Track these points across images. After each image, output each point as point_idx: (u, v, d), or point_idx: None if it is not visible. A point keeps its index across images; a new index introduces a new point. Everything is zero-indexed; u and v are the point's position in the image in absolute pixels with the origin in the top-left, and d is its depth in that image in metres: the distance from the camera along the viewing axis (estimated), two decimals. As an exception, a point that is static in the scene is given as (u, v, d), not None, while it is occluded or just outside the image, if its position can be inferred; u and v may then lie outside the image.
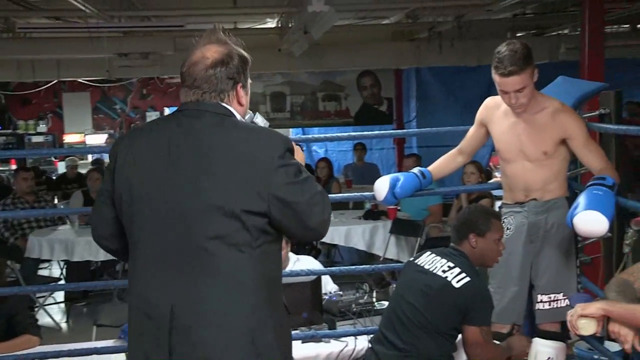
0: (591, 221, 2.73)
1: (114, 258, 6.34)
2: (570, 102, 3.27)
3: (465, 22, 8.20)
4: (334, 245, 7.30)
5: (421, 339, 2.83)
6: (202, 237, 1.89)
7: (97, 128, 13.76)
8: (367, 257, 6.77)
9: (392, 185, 3.28)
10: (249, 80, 2.12)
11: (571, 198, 3.07)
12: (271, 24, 10.35)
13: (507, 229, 3.15)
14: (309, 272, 4.12)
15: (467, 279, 2.82)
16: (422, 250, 3.41)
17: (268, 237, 1.94)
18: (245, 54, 2.09)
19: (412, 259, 3.14)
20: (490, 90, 3.25)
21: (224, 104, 2.01)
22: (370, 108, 11.98)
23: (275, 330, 1.93)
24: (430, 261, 2.96)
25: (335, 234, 6.30)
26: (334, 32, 10.25)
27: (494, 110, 3.17)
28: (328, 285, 4.75)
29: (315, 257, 7.44)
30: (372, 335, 3.20)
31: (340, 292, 4.52)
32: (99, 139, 13.20)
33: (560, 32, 9.88)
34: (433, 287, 2.86)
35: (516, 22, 10.30)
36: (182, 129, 1.97)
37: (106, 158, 11.30)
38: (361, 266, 4.42)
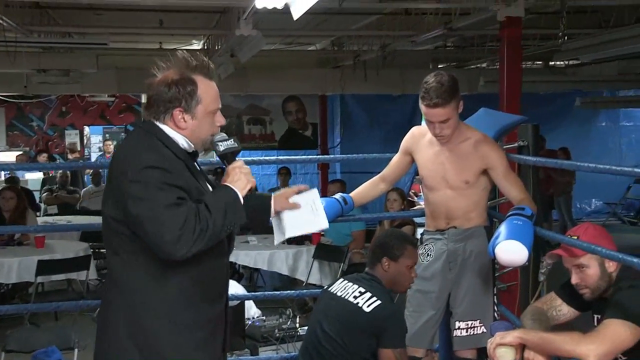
0: (512, 251, 2.77)
1: (29, 280, 6.13)
2: (491, 133, 3.34)
3: (390, 51, 8.34)
4: (257, 270, 7.21)
5: None
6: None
7: (12, 145, 13.20)
8: (290, 282, 6.70)
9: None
10: (199, 107, 2.15)
11: (489, 227, 3.12)
12: (197, 45, 10.24)
13: (428, 255, 3.17)
14: (231, 297, 4.05)
15: (378, 302, 2.80)
16: (343, 276, 3.38)
17: (137, 245, 2.07)
18: (193, 82, 2.16)
19: (326, 286, 3.11)
20: (413, 119, 3.29)
21: (157, 122, 2.15)
22: (295, 133, 12.00)
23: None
24: (343, 288, 2.94)
25: (259, 258, 6.22)
26: (261, 56, 10.24)
27: (419, 139, 3.20)
28: (251, 310, 4.67)
29: (238, 282, 7.35)
30: (293, 363, 3.15)
31: (263, 318, 4.45)
32: (11, 157, 12.67)
33: (479, 65, 10.20)
34: (345, 314, 2.83)
35: (438, 54, 10.57)
36: (118, 145, 2.26)
37: (21, 175, 10.84)
38: (285, 291, 4.35)
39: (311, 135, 12.14)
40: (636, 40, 6.78)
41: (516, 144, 3.69)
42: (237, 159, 2.20)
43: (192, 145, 2.18)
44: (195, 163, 2.22)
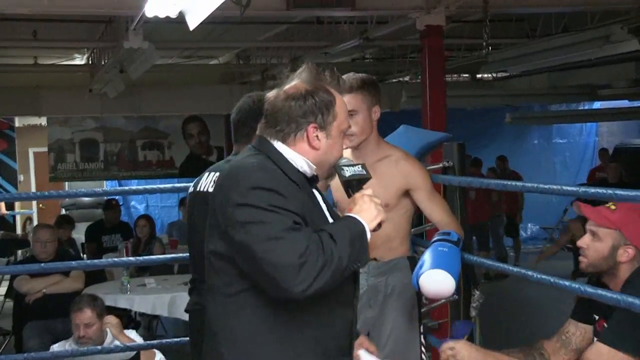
0: (437, 281, 2.81)
1: None
2: (413, 152, 3.40)
3: (301, 64, 8.40)
4: (156, 317, 7.05)
5: None
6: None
7: None
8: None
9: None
10: (334, 124, 2.10)
11: (413, 258, 3.16)
12: (80, 60, 10.05)
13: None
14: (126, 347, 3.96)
15: None
16: None
17: (245, 284, 1.97)
18: (329, 94, 2.09)
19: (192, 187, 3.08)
20: None
21: (275, 142, 2.08)
22: (198, 158, 11.88)
23: None
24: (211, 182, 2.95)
25: (158, 303, 6.07)
26: (155, 71, 10.13)
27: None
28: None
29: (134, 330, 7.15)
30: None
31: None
32: None
33: (401, 79, 10.43)
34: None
35: (356, 67, 10.74)
36: (228, 164, 2.26)
37: None
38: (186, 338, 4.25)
39: (216, 160, 12.07)
40: (565, 50, 7.10)
41: (440, 165, 3.78)
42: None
43: (314, 169, 2.11)
44: (314, 190, 2.15)
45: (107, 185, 12.59)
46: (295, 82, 2.10)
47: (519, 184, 2.80)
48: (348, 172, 2.15)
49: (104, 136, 11.45)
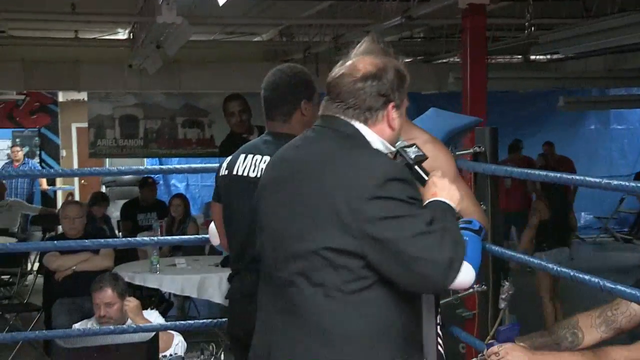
0: (455, 272, 2.77)
1: None
2: (440, 135, 3.34)
3: (344, 43, 8.36)
4: (189, 297, 7.14)
5: None
6: (291, 269, 1.97)
7: None
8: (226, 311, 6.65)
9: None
10: (406, 102, 2.08)
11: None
12: (122, 35, 10.15)
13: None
14: (142, 328, 4.00)
15: None
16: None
17: (366, 282, 1.92)
18: (402, 69, 2.07)
19: (226, 170, 2.95)
20: None
21: (356, 124, 2.02)
22: (239, 137, 11.87)
23: None
24: (251, 164, 2.84)
25: (186, 284, 6.14)
26: (195, 47, 10.21)
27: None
28: (179, 347, 4.60)
29: (165, 312, 7.26)
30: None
31: (182, 355, 4.39)
32: None
33: (449, 59, 10.30)
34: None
35: (404, 46, 10.65)
36: (300, 149, 2.07)
37: None
38: (209, 320, 4.30)
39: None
40: (621, 31, 6.90)
41: (471, 150, 3.72)
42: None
43: (390, 151, 2.10)
44: None
45: (147, 163, 12.76)
46: (364, 57, 2.02)
47: (553, 174, 2.71)
48: (412, 153, 2.13)
49: (144, 113, 11.55)
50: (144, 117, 11.57)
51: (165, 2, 5.49)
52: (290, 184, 2.02)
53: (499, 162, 9.63)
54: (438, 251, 1.87)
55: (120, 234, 8.73)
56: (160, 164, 12.21)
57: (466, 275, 2.77)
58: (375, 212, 1.88)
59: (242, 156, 2.84)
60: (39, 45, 9.69)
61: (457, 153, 3.70)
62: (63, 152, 14.09)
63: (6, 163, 12.54)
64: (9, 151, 12.73)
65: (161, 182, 12.14)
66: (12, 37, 9.07)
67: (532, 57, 10.55)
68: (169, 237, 6.77)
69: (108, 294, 4.25)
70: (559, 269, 2.45)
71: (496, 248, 3.11)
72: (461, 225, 2.93)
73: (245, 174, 2.78)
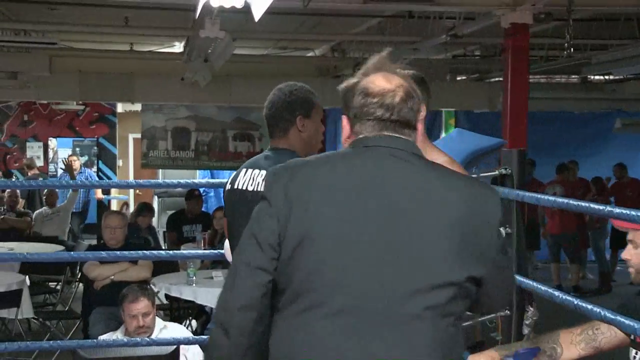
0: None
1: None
2: (461, 157, 3.32)
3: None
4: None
5: None
6: (419, 303, 1.84)
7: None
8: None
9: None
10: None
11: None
12: (178, 48, 10.35)
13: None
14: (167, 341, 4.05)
15: None
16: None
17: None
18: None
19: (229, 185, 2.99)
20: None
21: (413, 140, 1.97)
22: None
23: None
24: (250, 179, 2.85)
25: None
26: (247, 61, 10.35)
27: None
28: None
29: (204, 324, 7.31)
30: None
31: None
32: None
33: (501, 78, 10.18)
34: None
35: (454, 63, 10.60)
36: (395, 175, 1.88)
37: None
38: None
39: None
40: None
41: (497, 172, 3.67)
42: None
43: None
44: None
45: (199, 175, 12.93)
46: (391, 75, 1.95)
47: (561, 200, 2.66)
48: None
49: (196, 125, 11.73)
50: (196, 129, 11.75)
51: (208, 17, 5.57)
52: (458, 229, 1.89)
53: (549, 183, 9.44)
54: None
55: (165, 244, 8.85)
56: (212, 176, 12.37)
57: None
58: (501, 241, 1.95)
59: (244, 171, 2.91)
60: (95, 57, 9.93)
61: (481, 175, 3.66)
62: (119, 162, 14.38)
63: (64, 171, 12.84)
64: (68, 160, 12.99)
65: (212, 194, 12.27)
66: (70, 48, 9.33)
67: (590, 77, 10.38)
68: (191, 252, 6.86)
69: (145, 303, 4.28)
70: (563, 296, 2.39)
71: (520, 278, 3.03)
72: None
73: (244, 187, 2.84)
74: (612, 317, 2.09)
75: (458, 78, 11.14)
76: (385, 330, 1.81)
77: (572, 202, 2.93)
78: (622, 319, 2.11)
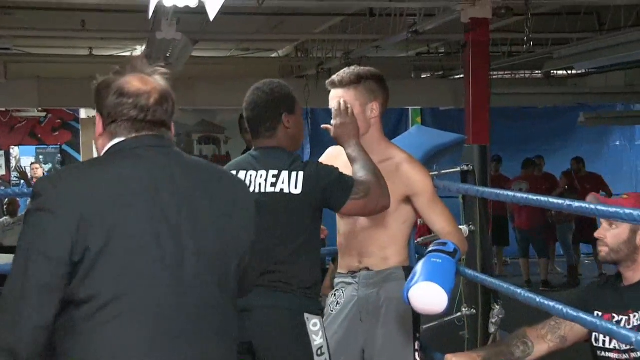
0: (427, 296, 2.66)
1: None
2: (420, 153, 3.26)
3: (355, 59, 8.32)
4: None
5: None
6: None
7: None
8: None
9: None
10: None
11: (410, 268, 3.01)
12: (140, 52, 10.19)
13: (337, 303, 3.05)
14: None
15: (301, 173, 2.70)
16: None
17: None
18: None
19: None
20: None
21: None
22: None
23: None
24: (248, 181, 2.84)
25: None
26: (210, 64, 10.23)
27: (334, 160, 3.11)
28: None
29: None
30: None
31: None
32: None
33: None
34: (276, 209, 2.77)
35: (419, 61, 10.58)
36: (174, 171, 1.92)
37: None
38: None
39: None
40: (637, 45, 6.76)
41: (458, 168, 3.62)
42: None
43: None
44: None
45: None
46: (146, 77, 1.99)
47: (520, 195, 2.61)
48: None
49: (159, 129, 11.57)
50: (159, 134, 11.58)
51: (164, 19, 5.46)
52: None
53: (515, 179, 9.44)
54: None
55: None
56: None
57: (437, 299, 2.68)
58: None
59: (234, 173, 2.81)
60: (53, 63, 9.75)
61: (443, 172, 3.61)
62: (84, 169, 14.15)
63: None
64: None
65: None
66: (27, 54, 9.15)
67: (553, 72, 10.41)
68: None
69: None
70: (525, 294, 2.33)
71: (467, 270, 2.98)
72: (434, 247, 2.84)
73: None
74: (574, 314, 2.03)
75: (423, 76, 11.12)
76: (189, 330, 1.85)
77: (531, 196, 2.88)
78: (583, 316, 2.05)
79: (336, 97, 2.97)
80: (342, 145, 2.92)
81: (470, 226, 3.67)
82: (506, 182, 9.78)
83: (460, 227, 3.42)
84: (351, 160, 2.85)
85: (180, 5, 4.35)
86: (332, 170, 2.73)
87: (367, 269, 3.03)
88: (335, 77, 3.00)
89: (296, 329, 2.70)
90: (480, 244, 3.63)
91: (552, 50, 7.54)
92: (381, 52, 8.07)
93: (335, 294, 3.09)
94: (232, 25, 8.45)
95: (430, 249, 2.84)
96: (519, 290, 2.44)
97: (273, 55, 11.23)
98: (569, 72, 10.42)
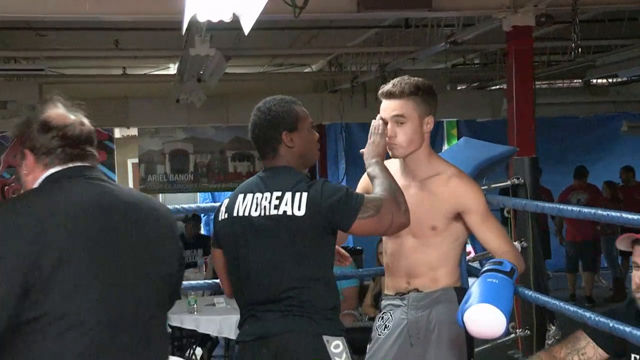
0: (484, 318, 2.50)
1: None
2: (470, 167, 3.10)
3: (390, 72, 8.17)
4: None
5: None
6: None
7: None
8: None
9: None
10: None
11: (463, 289, 2.85)
12: (173, 70, 10.17)
13: (385, 327, 2.90)
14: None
15: (304, 194, 2.57)
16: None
17: None
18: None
19: (225, 214, 2.82)
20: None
21: None
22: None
23: None
24: (253, 204, 2.72)
25: (225, 324, 5.93)
26: (242, 80, 10.16)
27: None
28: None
29: (211, 350, 7.08)
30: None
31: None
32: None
33: (503, 86, 9.99)
34: (277, 232, 2.71)
35: (454, 72, 10.41)
36: (112, 197, 2.02)
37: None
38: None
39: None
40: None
41: (509, 182, 3.45)
42: None
43: None
44: None
45: (200, 199, 12.70)
46: (67, 109, 2.06)
47: (570, 208, 2.44)
48: None
49: (194, 147, 11.54)
50: (194, 152, 11.55)
51: (198, 35, 5.38)
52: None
53: (569, 189, 9.12)
54: None
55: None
56: (213, 198, 12.16)
57: (494, 321, 2.52)
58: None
59: (241, 196, 2.70)
60: (86, 83, 9.75)
61: (493, 186, 3.45)
62: (119, 188, 14.18)
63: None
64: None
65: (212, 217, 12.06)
66: (61, 75, 9.15)
67: (593, 80, 10.17)
68: (192, 282, 6.62)
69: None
70: (596, 318, 2.15)
71: (526, 290, 2.80)
72: (490, 267, 2.67)
73: (246, 214, 2.64)
74: (622, 328, 1.86)
75: (458, 87, 10.94)
76: (136, 342, 1.97)
77: (595, 211, 2.71)
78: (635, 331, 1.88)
79: (391, 109, 2.84)
80: (365, 162, 2.78)
81: (523, 242, 3.50)
82: (547, 194, 9.51)
83: (512, 243, 3.26)
84: (370, 178, 2.73)
85: (214, 20, 4.21)
86: (338, 189, 2.59)
87: (417, 290, 2.87)
88: (391, 87, 2.85)
89: (316, 353, 2.55)
90: (534, 261, 3.45)
91: (595, 58, 7.32)
92: (417, 64, 7.91)
93: (382, 317, 2.94)
94: (265, 41, 8.38)
95: (485, 268, 2.68)
96: (587, 314, 2.25)
97: (306, 70, 11.14)
98: (610, 80, 10.17)
